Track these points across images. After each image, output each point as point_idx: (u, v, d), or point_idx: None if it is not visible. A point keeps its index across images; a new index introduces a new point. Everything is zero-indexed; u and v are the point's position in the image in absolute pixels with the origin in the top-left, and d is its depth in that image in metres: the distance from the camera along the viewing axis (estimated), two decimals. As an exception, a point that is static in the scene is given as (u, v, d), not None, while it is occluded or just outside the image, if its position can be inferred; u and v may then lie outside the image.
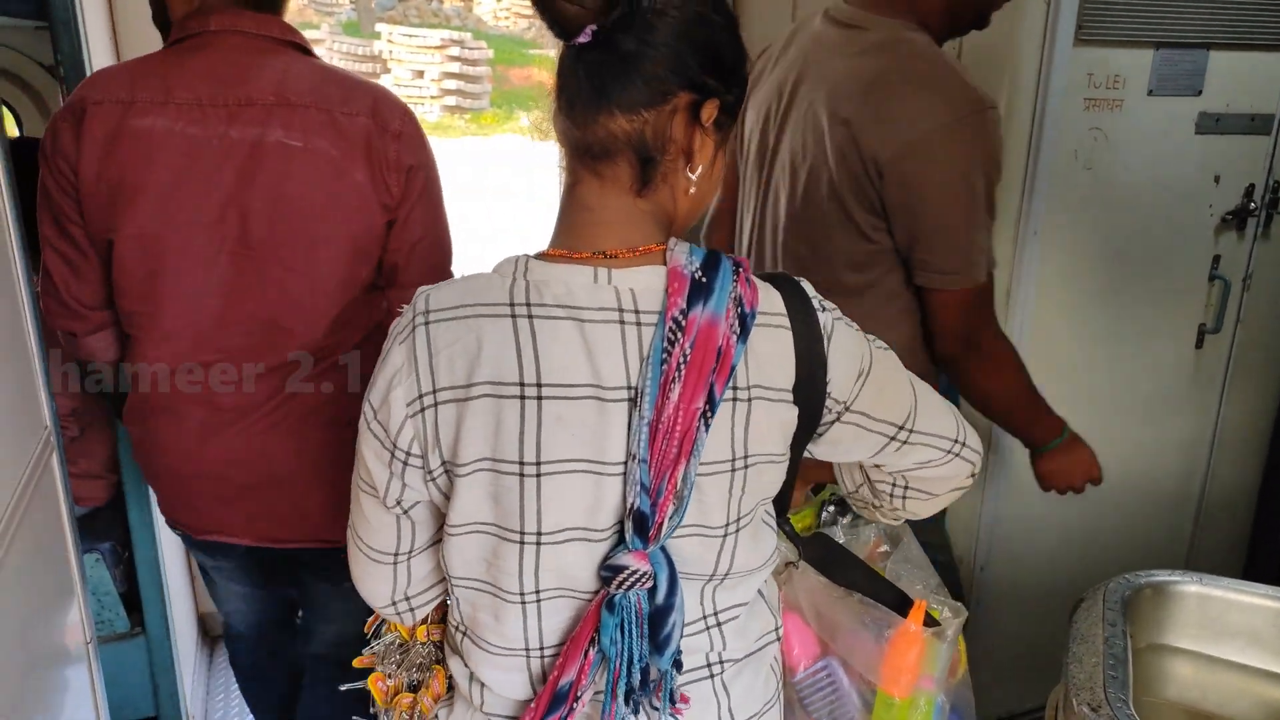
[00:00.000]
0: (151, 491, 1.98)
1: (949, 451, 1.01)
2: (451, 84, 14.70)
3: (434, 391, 0.85)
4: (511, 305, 0.84)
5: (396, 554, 0.96)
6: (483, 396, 0.84)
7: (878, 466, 1.04)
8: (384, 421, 0.87)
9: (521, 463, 0.84)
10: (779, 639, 1.02)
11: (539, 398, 0.83)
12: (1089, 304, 2.04)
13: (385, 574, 0.97)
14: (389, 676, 1.07)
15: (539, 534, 0.86)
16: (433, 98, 14.63)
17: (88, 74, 1.70)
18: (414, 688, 1.06)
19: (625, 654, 0.86)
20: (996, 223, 1.83)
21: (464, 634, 0.95)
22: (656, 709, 0.90)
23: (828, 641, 1.06)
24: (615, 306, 0.85)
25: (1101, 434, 2.12)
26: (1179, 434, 2.21)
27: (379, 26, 17.12)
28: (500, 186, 10.75)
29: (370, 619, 1.10)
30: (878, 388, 0.96)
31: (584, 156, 0.88)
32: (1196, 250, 2.07)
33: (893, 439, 0.98)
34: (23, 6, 1.65)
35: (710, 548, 0.90)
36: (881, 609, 1.03)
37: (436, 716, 1.02)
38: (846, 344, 0.94)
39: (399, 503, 0.92)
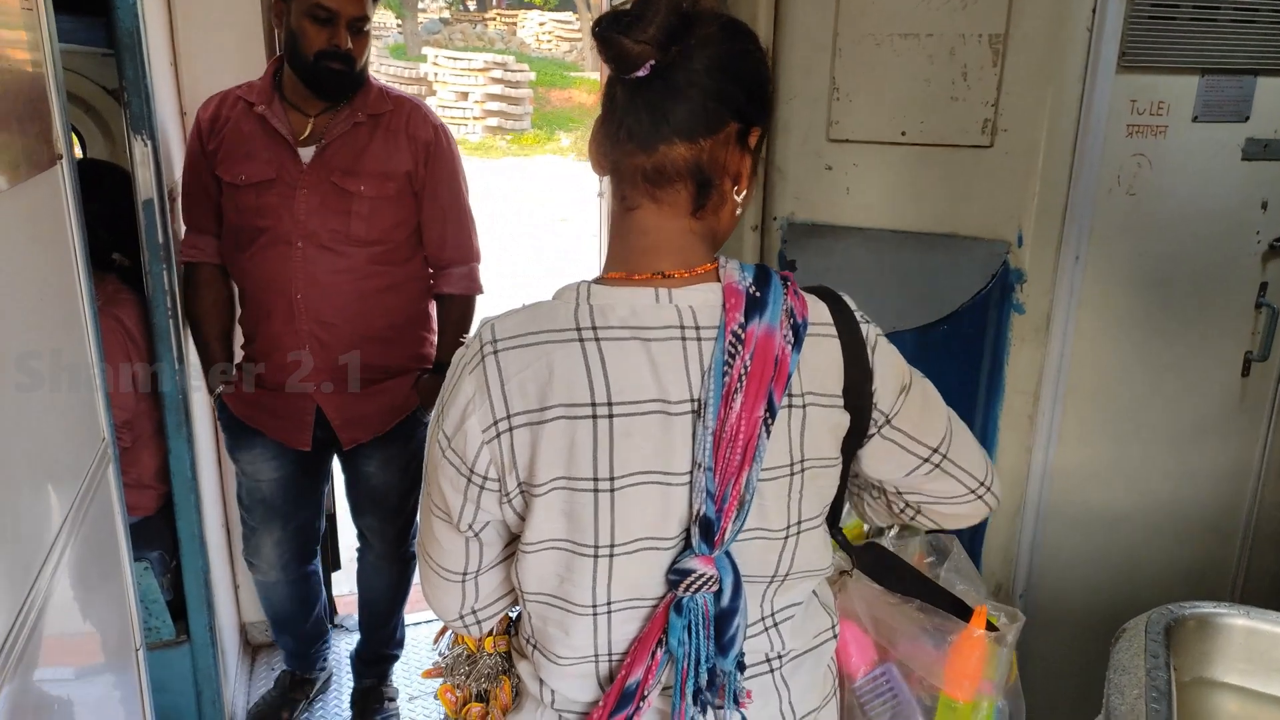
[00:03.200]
0: (198, 501, 2.05)
1: (973, 491, 1.04)
2: (494, 105, 14.92)
3: (508, 417, 0.88)
4: (578, 329, 0.88)
5: (465, 573, 1.00)
6: (556, 419, 0.87)
7: (899, 492, 1.07)
8: (460, 450, 0.91)
9: (595, 479, 0.88)
10: (835, 637, 1.06)
11: (610, 416, 0.87)
12: (1132, 331, 2.02)
13: (455, 591, 1.01)
14: (458, 688, 1.11)
15: (611, 546, 0.90)
16: (475, 118, 14.85)
17: (150, 97, 1.77)
18: (481, 698, 1.10)
19: (693, 655, 0.90)
20: (1038, 248, 1.83)
21: (534, 647, 0.99)
22: (720, 707, 0.93)
23: (886, 647, 1.09)
24: (677, 324, 0.89)
25: (1145, 462, 2.10)
26: (1225, 462, 2.17)
27: (425, 50, 17.44)
28: (543, 207, 10.88)
29: (439, 631, 1.14)
30: (919, 407, 1.00)
31: (643, 183, 0.91)
32: (1243, 277, 2.04)
33: (926, 460, 1.01)
34: (92, 35, 1.73)
35: (772, 550, 0.94)
36: (942, 614, 1.06)
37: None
38: (890, 357, 0.98)
39: (471, 526, 0.95)
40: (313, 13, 1.89)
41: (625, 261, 0.93)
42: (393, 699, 2.44)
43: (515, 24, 20.45)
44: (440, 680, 1.13)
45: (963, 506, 1.05)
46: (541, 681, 0.99)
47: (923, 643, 1.04)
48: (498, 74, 15.04)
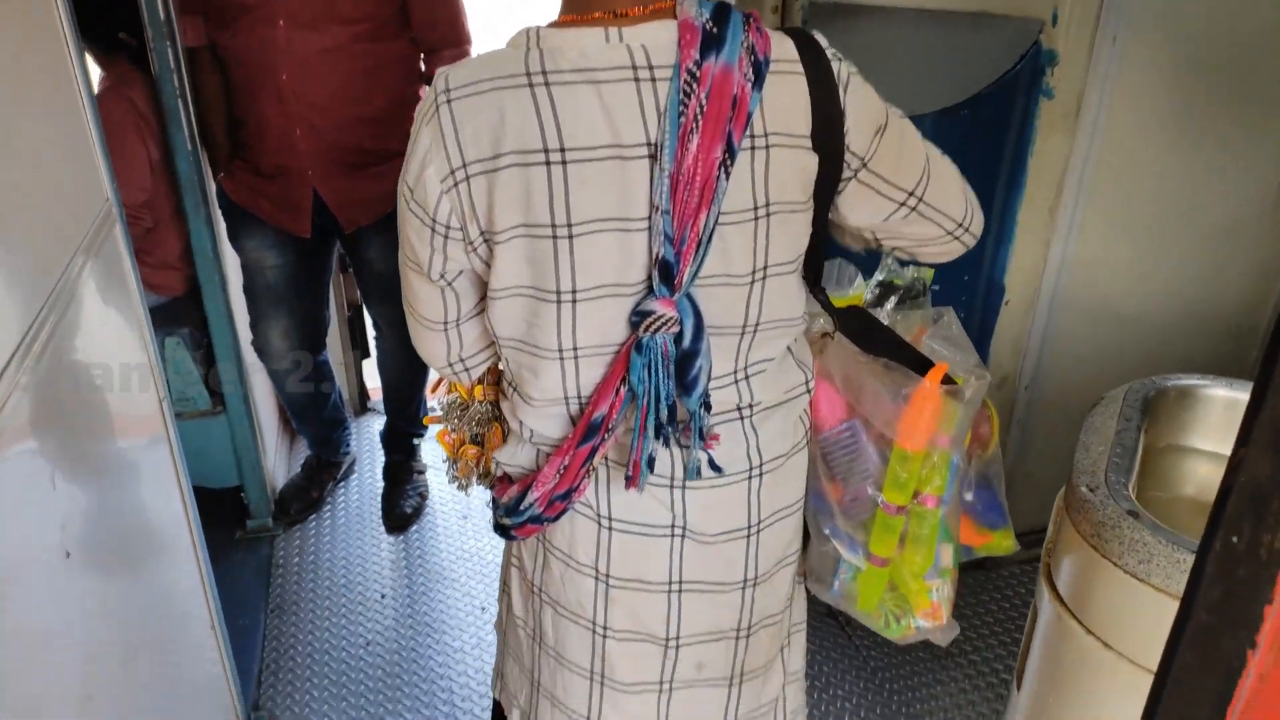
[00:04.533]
0: (224, 281, 2.12)
1: (951, 234, 1.03)
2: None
3: (464, 165, 0.88)
4: (528, 75, 0.86)
5: (445, 321, 1.04)
6: (510, 166, 0.87)
7: (875, 236, 1.06)
8: (421, 200, 0.92)
9: (553, 225, 0.89)
10: (808, 393, 1.09)
11: (564, 162, 0.86)
12: (1168, 122, 1.91)
13: (439, 339, 1.06)
14: (453, 431, 1.19)
15: (574, 292, 0.92)
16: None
17: None
18: (476, 441, 1.18)
19: (652, 392, 0.93)
20: (1073, 28, 1.71)
21: (513, 389, 1.05)
22: (686, 446, 0.98)
23: (854, 404, 1.13)
24: (629, 64, 0.86)
25: (1169, 259, 2.05)
26: (1253, 263, 2.11)
27: None
28: None
29: (433, 383, 1.21)
30: (895, 149, 0.97)
31: None
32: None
33: (902, 204, 1.00)
34: None
35: (738, 297, 0.95)
36: (903, 370, 1.08)
37: (496, 460, 1.13)
38: (865, 96, 0.95)
39: (442, 275, 0.98)
40: None
41: (577, 2, 0.90)
42: (421, 471, 2.60)
43: None
44: (439, 426, 1.21)
45: (937, 247, 1.05)
46: (520, 419, 1.05)
47: (884, 398, 1.07)
48: None
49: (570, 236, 0.89)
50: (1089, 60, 1.80)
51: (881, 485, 1.10)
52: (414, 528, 2.47)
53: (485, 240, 0.93)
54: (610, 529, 1.05)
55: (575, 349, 0.96)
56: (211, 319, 2.12)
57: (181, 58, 1.94)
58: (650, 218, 0.89)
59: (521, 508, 1.03)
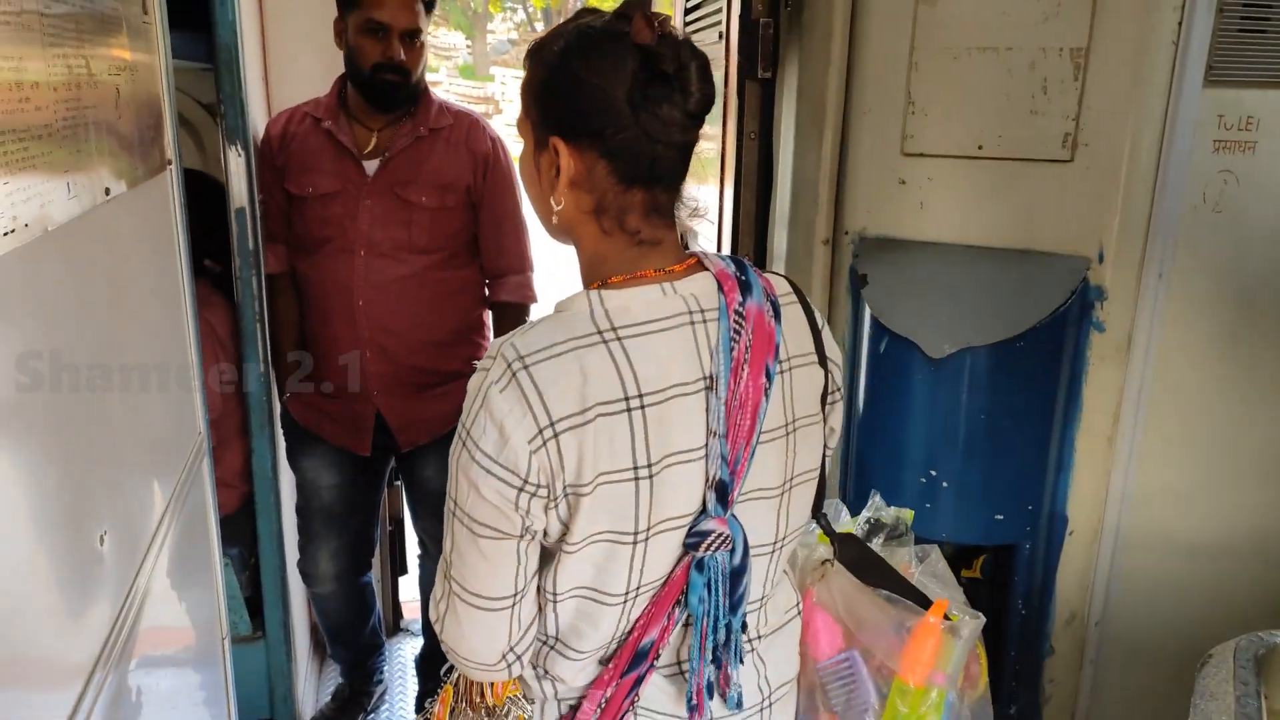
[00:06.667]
0: (278, 500, 2.11)
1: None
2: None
3: (552, 424, 0.91)
4: (600, 332, 0.94)
5: (515, 594, 0.98)
6: (597, 418, 0.92)
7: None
8: (509, 464, 0.92)
9: (635, 467, 0.93)
10: (799, 614, 1.15)
11: (643, 407, 0.93)
12: (1218, 351, 1.96)
13: (501, 623, 0.98)
14: None
15: (649, 530, 0.95)
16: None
17: (245, 110, 1.85)
18: None
19: (712, 612, 0.97)
20: (1120, 265, 1.79)
21: (551, 647, 1.01)
22: (731, 666, 1.00)
23: (853, 634, 1.16)
24: (686, 310, 0.98)
25: (1230, 487, 2.03)
26: (1314, 491, 2.08)
27: (493, 69, 17.72)
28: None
29: (439, 700, 1.10)
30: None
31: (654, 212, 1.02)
32: (1336, 299, 1.97)
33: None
34: (195, 50, 1.81)
35: (772, 509, 1.04)
36: (906, 603, 1.13)
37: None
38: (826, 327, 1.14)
39: (522, 536, 0.95)
40: (367, 27, 1.98)
41: (625, 265, 1.00)
42: (457, 703, 2.47)
43: (581, 45, 20.67)
44: None
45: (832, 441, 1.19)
46: (546, 675, 1.02)
47: (885, 630, 1.11)
48: (563, 93, 15.20)
49: (651, 476, 0.94)
50: (1136, 294, 1.86)
51: (880, 718, 1.12)
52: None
53: (568, 495, 0.93)
54: None
55: (639, 587, 0.97)
56: (263, 539, 2.10)
57: (263, 284, 2.03)
58: (708, 443, 0.96)
59: None
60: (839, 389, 1.13)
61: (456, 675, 1.09)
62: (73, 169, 0.87)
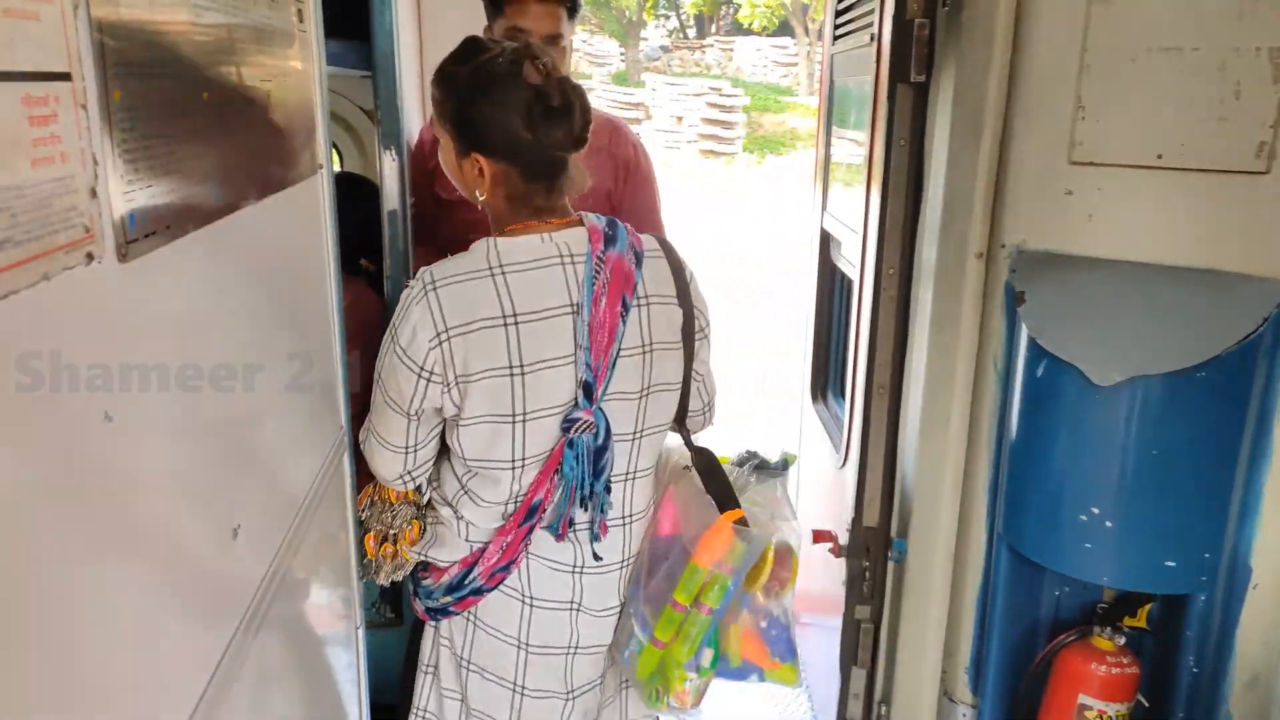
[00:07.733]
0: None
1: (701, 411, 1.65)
2: (707, 129, 15.13)
3: (447, 330, 1.30)
4: (490, 269, 1.32)
5: (407, 446, 1.40)
6: (480, 329, 1.30)
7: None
8: (414, 355, 1.32)
9: (510, 367, 1.31)
10: (656, 508, 1.52)
11: (517, 324, 1.30)
12: None
13: (397, 459, 1.41)
14: (375, 527, 1.47)
15: (524, 414, 1.33)
16: (689, 141, 15.12)
17: (400, 116, 1.91)
18: (390, 539, 1.47)
19: (579, 476, 1.35)
20: None
21: (465, 493, 1.42)
22: (595, 511, 1.41)
23: (682, 524, 1.49)
24: (558, 254, 1.34)
25: None
26: None
27: (644, 76, 17.96)
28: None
29: (360, 496, 1.50)
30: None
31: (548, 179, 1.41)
32: None
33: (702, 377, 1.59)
34: (355, 58, 1.89)
35: (632, 408, 1.41)
36: (714, 506, 1.44)
37: (424, 555, 1.47)
38: (697, 283, 1.49)
39: (417, 411, 1.35)
40: (510, 34, 2.00)
41: (517, 219, 1.38)
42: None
43: (732, 50, 20.69)
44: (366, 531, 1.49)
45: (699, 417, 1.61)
46: (461, 518, 1.43)
47: (694, 523, 1.44)
48: (711, 99, 15.26)
49: (523, 374, 1.31)
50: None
51: (675, 587, 1.42)
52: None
53: (459, 383, 1.31)
54: (532, 605, 1.44)
55: (524, 459, 1.36)
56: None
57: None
58: (575, 354, 1.32)
59: (465, 582, 1.41)
60: (704, 329, 1.49)
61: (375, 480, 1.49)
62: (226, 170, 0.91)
